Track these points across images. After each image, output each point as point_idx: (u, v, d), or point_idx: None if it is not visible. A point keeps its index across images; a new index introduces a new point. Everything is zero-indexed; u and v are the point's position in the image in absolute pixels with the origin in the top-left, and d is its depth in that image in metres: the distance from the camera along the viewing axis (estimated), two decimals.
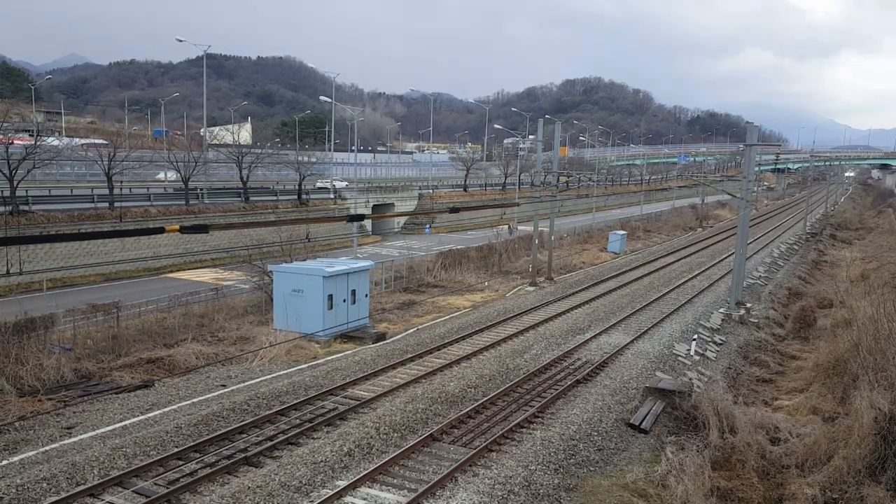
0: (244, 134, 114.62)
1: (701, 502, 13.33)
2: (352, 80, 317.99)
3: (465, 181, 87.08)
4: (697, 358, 23.54)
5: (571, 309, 29.78)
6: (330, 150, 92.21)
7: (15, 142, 55.24)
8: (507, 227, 59.65)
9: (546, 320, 27.41)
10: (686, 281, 37.92)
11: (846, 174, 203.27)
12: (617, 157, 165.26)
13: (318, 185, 71.48)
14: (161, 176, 68.77)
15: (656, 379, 20.17)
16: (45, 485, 12.45)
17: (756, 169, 41.83)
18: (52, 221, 39.86)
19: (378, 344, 23.74)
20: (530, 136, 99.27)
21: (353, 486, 12.78)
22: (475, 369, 20.41)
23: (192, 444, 14.47)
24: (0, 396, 17.20)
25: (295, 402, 17.17)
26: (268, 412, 16.45)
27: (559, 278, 39.30)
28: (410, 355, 21.70)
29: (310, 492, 12.65)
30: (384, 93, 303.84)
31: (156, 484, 12.81)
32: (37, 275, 34.63)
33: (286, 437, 15.08)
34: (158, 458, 13.72)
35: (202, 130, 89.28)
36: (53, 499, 11.97)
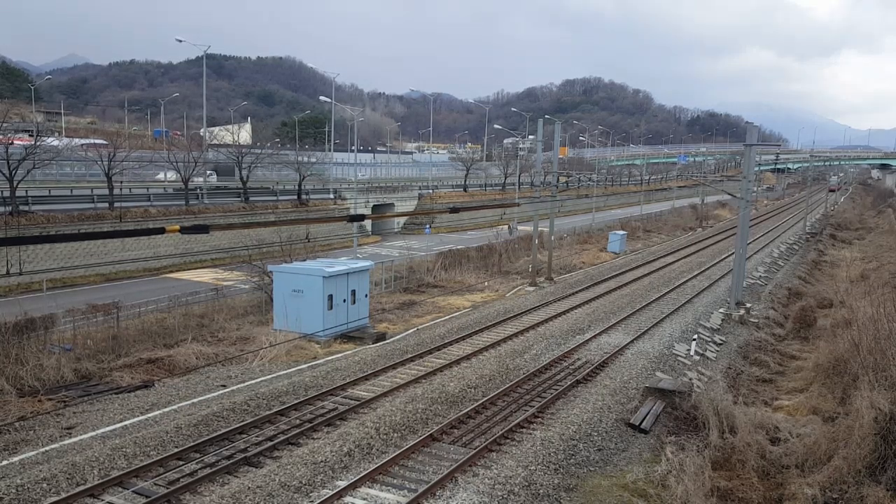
0: (244, 134, 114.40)
1: (701, 502, 13.31)
2: (352, 80, 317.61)
3: (465, 181, 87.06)
4: (697, 358, 23.53)
5: (571, 309, 29.78)
6: (330, 150, 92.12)
7: (15, 142, 55.13)
8: (507, 227, 59.63)
9: (546, 320, 27.40)
10: (686, 281, 37.92)
11: (830, 182, 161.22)
12: (617, 158, 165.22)
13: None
14: (161, 176, 68.74)
15: (656, 379, 20.16)
16: (45, 485, 12.45)
17: (756, 169, 41.82)
18: (52, 222, 39.85)
19: (378, 344, 23.73)
20: (530, 137, 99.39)
21: (353, 487, 12.78)
22: (475, 369, 20.41)
23: (192, 444, 14.47)
24: (0, 396, 17.20)
25: (295, 402, 17.17)
26: (268, 412, 16.44)
27: (559, 278, 39.30)
28: (410, 355, 21.69)
29: (310, 492, 12.65)
30: (384, 93, 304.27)
31: (156, 484, 12.82)
32: (37, 275, 34.64)
33: (286, 437, 15.08)
34: (158, 458, 13.72)
35: (202, 131, 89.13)
36: (53, 499, 11.97)
